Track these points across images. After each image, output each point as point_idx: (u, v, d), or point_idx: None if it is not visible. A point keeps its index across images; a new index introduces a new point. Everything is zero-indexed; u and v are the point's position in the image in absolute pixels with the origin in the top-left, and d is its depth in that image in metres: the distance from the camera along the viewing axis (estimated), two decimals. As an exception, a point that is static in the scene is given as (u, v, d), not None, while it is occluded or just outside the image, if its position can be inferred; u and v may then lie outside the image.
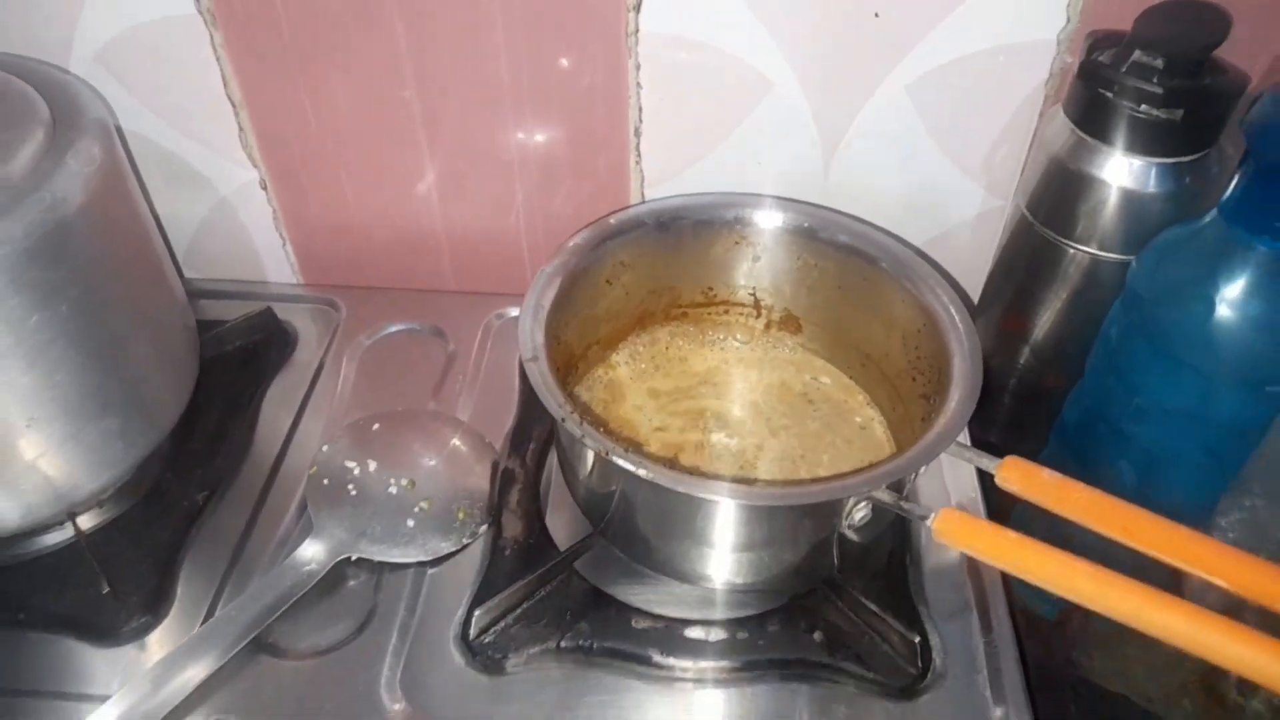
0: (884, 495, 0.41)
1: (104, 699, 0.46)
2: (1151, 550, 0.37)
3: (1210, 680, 0.62)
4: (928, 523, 0.39)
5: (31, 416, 0.47)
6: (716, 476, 0.52)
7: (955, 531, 0.38)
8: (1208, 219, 0.46)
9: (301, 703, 0.47)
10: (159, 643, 0.50)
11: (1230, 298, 0.45)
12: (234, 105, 0.62)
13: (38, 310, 0.44)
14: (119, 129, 0.63)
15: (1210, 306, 0.45)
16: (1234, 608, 0.36)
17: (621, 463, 0.41)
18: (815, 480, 0.51)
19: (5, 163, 0.44)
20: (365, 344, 0.66)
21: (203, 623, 0.50)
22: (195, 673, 0.46)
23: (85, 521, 0.53)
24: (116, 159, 0.49)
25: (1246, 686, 0.62)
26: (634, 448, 0.49)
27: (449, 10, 0.57)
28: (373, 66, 0.60)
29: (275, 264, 0.72)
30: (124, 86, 0.61)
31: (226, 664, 0.47)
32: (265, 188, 0.67)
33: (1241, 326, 0.45)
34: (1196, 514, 0.49)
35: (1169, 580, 0.38)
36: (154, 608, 0.51)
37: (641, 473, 0.40)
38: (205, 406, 0.59)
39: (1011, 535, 0.37)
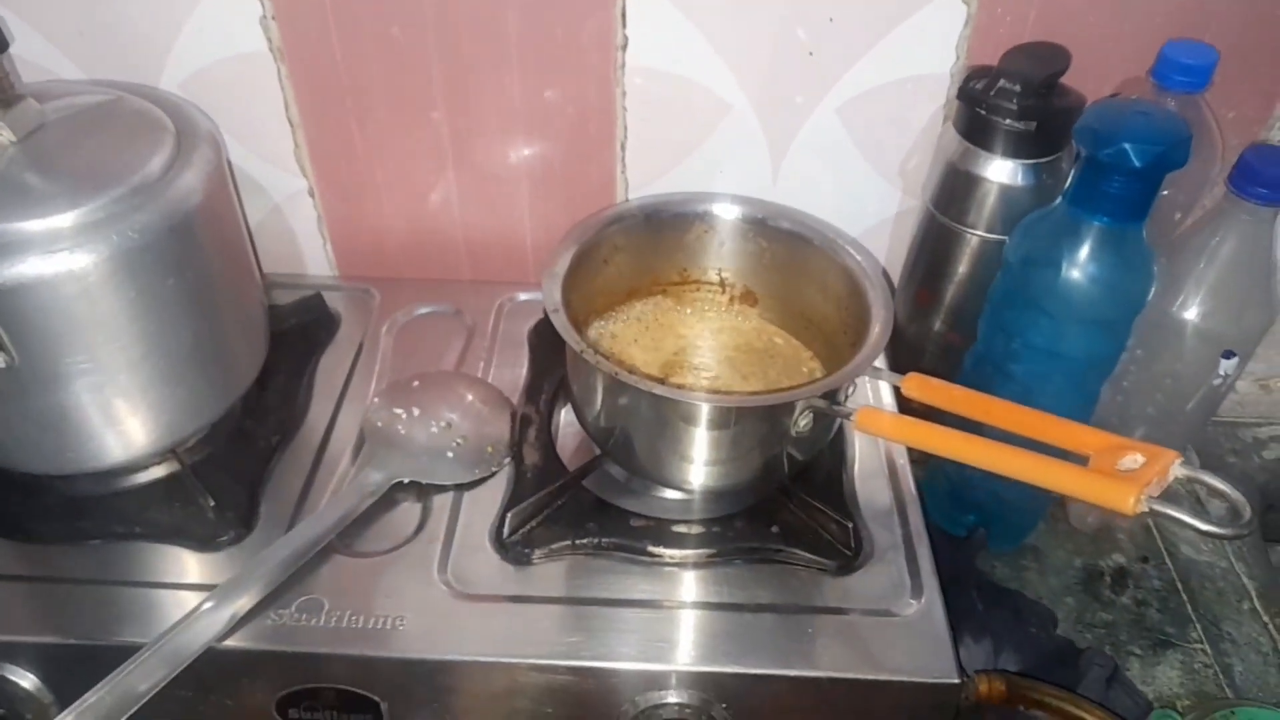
0: (821, 403, 0.55)
1: (210, 588, 0.58)
2: (1002, 424, 0.51)
3: (1089, 583, 0.77)
4: (851, 418, 0.54)
5: (153, 366, 0.59)
6: (698, 390, 0.66)
7: (870, 421, 0.53)
8: (1056, 204, 0.61)
9: (370, 586, 0.59)
10: (250, 547, 0.62)
11: (1075, 261, 0.60)
12: (292, 125, 0.75)
13: (171, 276, 0.57)
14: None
15: (1060, 268, 0.60)
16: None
17: (627, 379, 0.55)
18: (771, 390, 0.66)
19: (146, 165, 0.57)
20: (399, 322, 0.79)
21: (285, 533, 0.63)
22: (284, 566, 0.58)
23: (186, 456, 0.65)
24: (223, 164, 0.63)
25: (1118, 585, 0.77)
26: (635, 371, 0.63)
27: (476, 50, 0.71)
28: (410, 94, 0.73)
29: (315, 259, 0.84)
30: (202, 108, 0.74)
31: (308, 561, 0.60)
32: (313, 195, 0.80)
33: (1082, 282, 0.60)
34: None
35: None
36: (246, 521, 0.62)
37: (643, 386, 0.54)
38: (273, 370, 0.71)
39: (910, 419, 0.51)
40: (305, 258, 0.84)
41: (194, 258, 0.59)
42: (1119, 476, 0.43)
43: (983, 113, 0.64)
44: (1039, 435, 0.50)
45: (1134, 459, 0.44)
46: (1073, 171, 0.59)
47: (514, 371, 0.75)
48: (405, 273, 0.84)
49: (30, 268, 0.52)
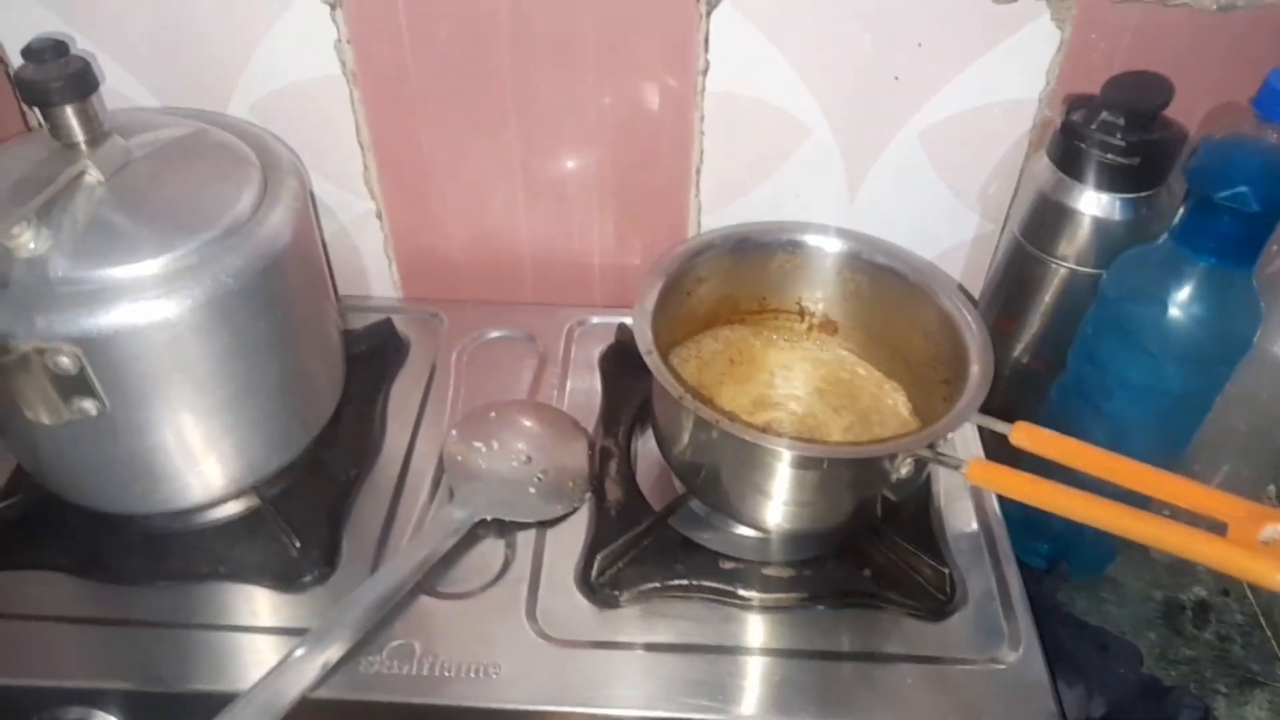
0: (926, 452, 0.54)
1: (296, 632, 0.58)
2: (1125, 483, 0.50)
3: (1170, 616, 0.76)
4: (961, 470, 0.53)
5: (241, 407, 0.58)
6: (803, 438, 0.64)
7: (984, 475, 0.52)
8: (1161, 241, 0.60)
9: (460, 630, 0.58)
10: (334, 587, 0.61)
11: (1178, 300, 0.58)
12: (362, 148, 0.74)
13: (261, 318, 0.56)
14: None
15: (1164, 307, 0.59)
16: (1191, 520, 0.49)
17: (732, 430, 0.53)
18: (875, 440, 0.64)
19: (235, 204, 0.56)
20: (469, 347, 0.78)
21: (371, 572, 0.62)
22: (374, 610, 0.57)
23: (265, 490, 0.64)
24: (307, 198, 0.61)
25: (1199, 619, 0.76)
26: (734, 419, 0.62)
27: (552, 69, 0.69)
28: (483, 114, 0.72)
29: (380, 281, 0.83)
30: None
31: (395, 604, 0.59)
32: (380, 217, 0.79)
33: (1186, 322, 0.58)
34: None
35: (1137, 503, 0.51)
36: (330, 559, 0.62)
37: (749, 436, 0.53)
38: (347, 398, 0.70)
39: (1027, 475, 0.50)
40: (370, 279, 0.83)
41: (283, 297, 0.58)
42: (1264, 551, 0.42)
43: (1083, 146, 0.62)
44: (1172, 499, 0.48)
45: (1275, 530, 0.42)
46: (1181, 209, 0.57)
47: (589, 399, 0.74)
48: (469, 294, 0.83)
49: (122, 316, 0.51)
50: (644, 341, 0.58)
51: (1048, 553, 0.76)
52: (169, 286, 0.52)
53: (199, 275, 0.53)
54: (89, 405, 0.52)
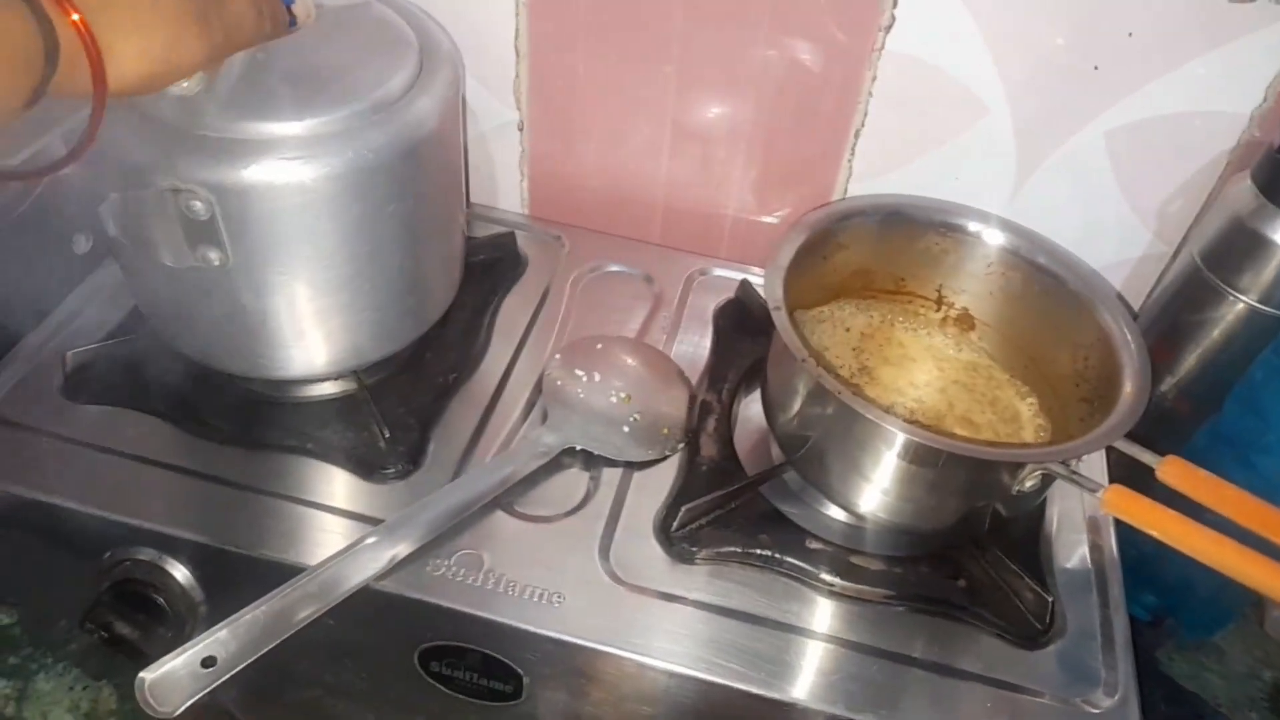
0: (1059, 468, 0.50)
1: (371, 521, 0.57)
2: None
3: (1276, 699, 0.70)
4: (1098, 494, 0.48)
5: (358, 288, 0.57)
6: (926, 426, 0.60)
7: (1122, 504, 0.47)
8: (1367, 289, 0.53)
9: (531, 552, 0.57)
10: (414, 485, 0.60)
11: (1375, 360, 0.52)
12: (518, 55, 0.72)
13: (393, 201, 0.55)
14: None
15: (1357, 365, 0.53)
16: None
17: (856, 406, 0.50)
18: (1008, 444, 0.60)
19: (387, 82, 0.54)
20: (586, 276, 0.76)
21: (452, 479, 0.61)
22: (449, 514, 0.56)
23: (365, 377, 0.64)
24: (459, 91, 0.60)
25: (1309, 708, 0.70)
26: (860, 394, 0.58)
27: (723, 12, 0.66)
28: (647, 43, 0.69)
29: (509, 195, 0.82)
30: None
31: (472, 513, 0.58)
32: (521, 129, 0.77)
33: (1381, 386, 0.53)
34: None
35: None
36: (415, 458, 0.61)
37: (871, 415, 0.50)
38: (458, 304, 0.69)
39: (1171, 512, 0.45)
40: (499, 191, 0.82)
41: (417, 184, 0.56)
42: None
43: (1298, 172, 0.56)
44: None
45: None
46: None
47: (697, 350, 0.71)
48: (595, 224, 0.81)
49: (260, 172, 0.50)
50: (774, 297, 0.55)
51: (1153, 605, 0.70)
52: (309, 150, 0.51)
53: (339, 144, 0.51)
54: (213, 255, 0.52)
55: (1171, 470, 0.48)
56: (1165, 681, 0.67)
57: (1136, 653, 0.62)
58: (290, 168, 0.51)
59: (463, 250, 0.68)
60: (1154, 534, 0.45)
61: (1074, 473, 0.49)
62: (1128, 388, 0.53)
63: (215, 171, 0.50)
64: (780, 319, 0.54)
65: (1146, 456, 0.50)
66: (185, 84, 0.50)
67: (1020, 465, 0.50)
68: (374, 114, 0.53)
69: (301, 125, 0.51)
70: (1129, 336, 0.57)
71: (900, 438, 0.51)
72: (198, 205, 0.50)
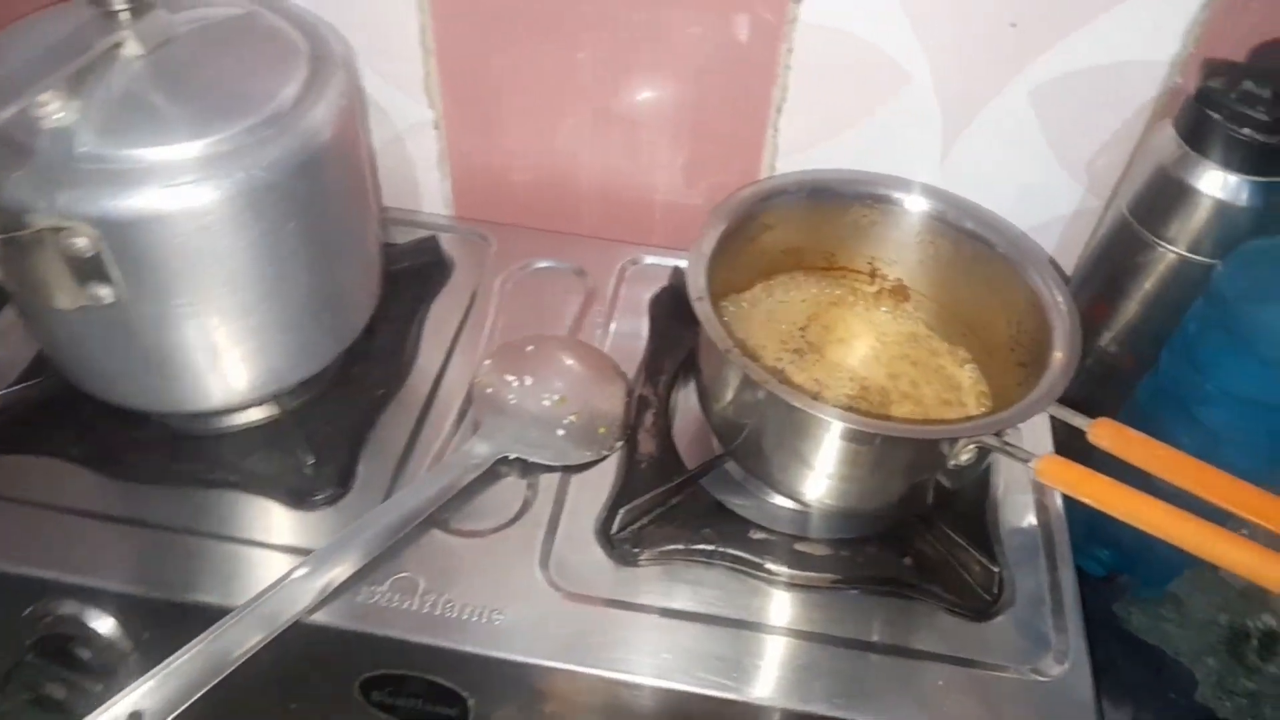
0: (992, 440, 0.49)
1: (302, 552, 0.55)
2: (1216, 499, 0.44)
3: (1233, 644, 0.70)
4: (1030, 464, 0.47)
5: (267, 310, 0.55)
6: (858, 410, 0.59)
7: (1055, 473, 0.46)
8: (1292, 235, 0.53)
9: (468, 569, 0.55)
10: (345, 509, 0.58)
11: (1310, 305, 0.52)
12: (425, 51, 0.69)
13: (294, 218, 0.53)
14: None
15: (1286, 310, 0.52)
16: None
17: (782, 394, 0.49)
18: (939, 420, 0.59)
19: (278, 93, 0.52)
20: (516, 275, 0.74)
21: (384, 499, 0.59)
22: (381, 537, 0.54)
23: (288, 400, 0.62)
24: (355, 96, 0.57)
25: (1266, 650, 0.70)
26: (785, 380, 0.57)
27: (638, -13, 0.64)
28: (559, 29, 0.67)
29: (431, 196, 0.79)
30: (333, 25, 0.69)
31: (406, 534, 0.56)
32: (438, 128, 0.74)
33: (1313, 329, 0.52)
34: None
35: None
36: (344, 481, 0.59)
37: (798, 402, 0.48)
38: (382, 314, 0.66)
39: (1104, 478, 0.45)
40: (421, 194, 0.79)
41: (319, 197, 0.54)
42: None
43: (1218, 117, 0.55)
44: (1265, 521, 0.42)
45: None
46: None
47: (632, 343, 0.70)
48: (526, 220, 0.79)
49: (145, 200, 0.48)
50: (695, 287, 0.54)
51: (1109, 560, 0.70)
52: (198, 173, 0.48)
53: (231, 164, 0.49)
54: (104, 292, 0.49)
55: (1103, 432, 0.48)
56: (1124, 636, 0.66)
57: (1093, 609, 0.63)
58: (179, 194, 0.48)
59: (380, 259, 0.66)
60: (1089, 501, 0.44)
61: (1006, 443, 0.48)
62: (1057, 352, 0.53)
63: (97, 204, 0.47)
64: (703, 310, 0.52)
65: (1078, 420, 0.49)
66: (59, 114, 0.47)
67: (954, 440, 0.49)
68: (265, 128, 0.51)
69: (187, 147, 0.49)
70: (1059, 298, 0.56)
71: (831, 423, 0.49)
72: (80, 242, 0.47)
